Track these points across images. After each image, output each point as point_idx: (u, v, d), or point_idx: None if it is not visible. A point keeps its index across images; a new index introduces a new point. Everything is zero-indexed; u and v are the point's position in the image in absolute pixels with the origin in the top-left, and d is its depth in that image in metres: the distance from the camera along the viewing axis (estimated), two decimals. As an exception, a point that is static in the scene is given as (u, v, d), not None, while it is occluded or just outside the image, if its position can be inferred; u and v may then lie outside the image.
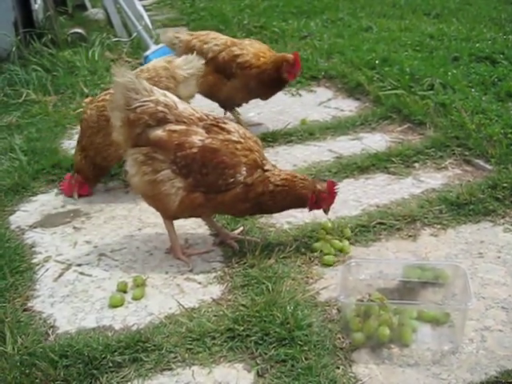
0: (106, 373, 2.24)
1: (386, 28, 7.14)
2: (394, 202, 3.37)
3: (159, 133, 2.74)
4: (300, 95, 5.40)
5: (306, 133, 4.41)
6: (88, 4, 9.21)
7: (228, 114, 4.64)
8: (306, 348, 2.26)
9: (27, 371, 2.23)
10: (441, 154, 3.90)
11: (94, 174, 3.74)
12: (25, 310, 2.65)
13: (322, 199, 2.85)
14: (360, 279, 2.60)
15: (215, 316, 2.50)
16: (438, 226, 3.11)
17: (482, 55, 5.61)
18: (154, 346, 2.34)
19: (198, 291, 2.73)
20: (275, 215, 3.15)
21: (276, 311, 2.41)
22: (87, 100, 4.89)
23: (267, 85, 4.24)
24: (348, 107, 4.98)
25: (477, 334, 2.34)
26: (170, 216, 2.92)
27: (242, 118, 4.62)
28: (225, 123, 2.84)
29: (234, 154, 2.75)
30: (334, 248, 2.92)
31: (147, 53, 6.08)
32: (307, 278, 2.76)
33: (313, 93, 5.44)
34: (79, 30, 7.38)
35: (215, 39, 4.40)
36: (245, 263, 2.85)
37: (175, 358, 2.30)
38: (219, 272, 2.85)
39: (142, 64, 5.78)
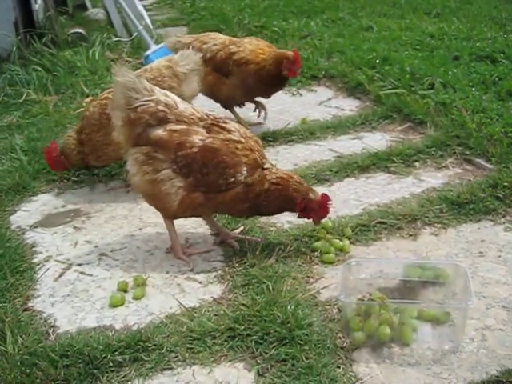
0: (107, 372, 2.24)
1: (387, 27, 7.14)
2: (395, 202, 3.37)
3: (160, 132, 2.74)
4: (300, 94, 5.40)
5: (307, 132, 4.41)
6: (88, 4, 9.22)
7: (257, 111, 4.63)
8: (306, 347, 2.26)
9: (28, 371, 2.23)
10: (441, 154, 3.90)
11: (76, 165, 3.78)
12: (25, 310, 2.65)
13: (311, 209, 2.82)
14: (360, 278, 2.59)
15: (216, 315, 2.50)
16: (439, 225, 3.11)
17: (483, 54, 5.62)
18: (155, 345, 2.34)
19: (198, 291, 2.73)
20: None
21: (276, 310, 2.41)
22: (88, 100, 4.91)
23: (266, 82, 4.21)
24: (348, 106, 4.98)
25: (477, 333, 2.34)
26: (170, 215, 2.92)
27: (243, 118, 4.62)
28: (225, 123, 2.84)
29: (235, 153, 2.74)
30: (334, 247, 2.92)
31: (148, 52, 6.09)
32: (308, 277, 2.76)
33: (313, 92, 5.44)
34: (80, 30, 7.39)
35: (214, 39, 4.42)
36: (245, 262, 2.85)
37: (176, 357, 2.30)
38: (220, 271, 2.85)
39: (142, 64, 5.79)
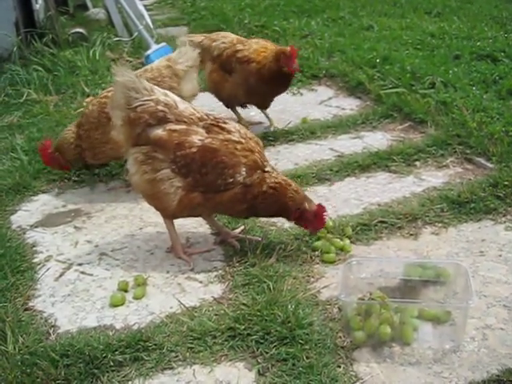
0: (107, 372, 2.24)
1: (387, 27, 7.13)
2: (395, 201, 3.37)
3: (159, 132, 2.74)
4: (301, 94, 5.39)
5: (307, 131, 4.40)
6: (89, 4, 9.21)
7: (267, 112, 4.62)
8: (307, 347, 2.26)
9: (28, 370, 2.23)
10: (442, 153, 3.90)
11: (72, 162, 3.75)
12: (26, 310, 2.66)
13: (306, 219, 2.81)
14: (361, 278, 2.59)
15: (216, 315, 2.50)
16: (439, 225, 3.11)
17: (483, 53, 5.61)
18: (155, 345, 2.34)
19: (198, 290, 2.73)
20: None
21: (277, 310, 2.41)
22: (88, 99, 4.90)
23: (268, 81, 4.14)
24: (349, 106, 4.98)
25: (478, 333, 2.34)
26: (168, 215, 2.92)
27: (244, 117, 4.62)
28: (225, 123, 2.83)
29: (234, 154, 2.74)
30: (335, 247, 2.92)
31: (148, 52, 6.10)
32: (308, 276, 2.76)
33: (314, 92, 5.43)
34: (80, 30, 7.38)
35: (224, 37, 4.43)
36: (246, 262, 2.85)
37: (176, 357, 2.30)
38: (220, 271, 2.85)
39: (143, 63, 5.79)
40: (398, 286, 2.57)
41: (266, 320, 2.38)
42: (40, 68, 6.00)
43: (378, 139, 4.23)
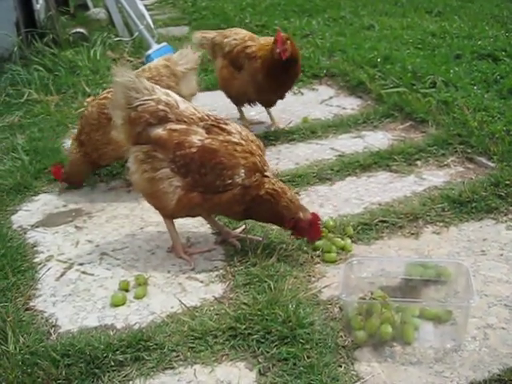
0: (108, 372, 2.24)
1: (388, 26, 7.13)
2: (396, 200, 3.36)
3: (160, 131, 2.74)
4: (302, 93, 5.39)
5: (308, 131, 4.40)
6: (90, 4, 9.22)
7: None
8: (307, 346, 2.25)
9: (29, 370, 2.23)
10: (443, 152, 3.89)
11: (86, 172, 3.78)
12: (27, 310, 2.65)
13: (302, 228, 2.80)
14: (362, 277, 2.59)
15: (217, 315, 2.49)
16: (441, 224, 3.10)
17: (484, 53, 5.60)
18: (156, 344, 2.33)
19: (199, 290, 2.72)
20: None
21: (278, 309, 2.41)
22: (89, 99, 4.91)
23: (271, 75, 4.08)
24: (350, 105, 4.97)
25: (479, 332, 2.33)
26: (167, 214, 2.91)
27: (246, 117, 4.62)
28: (226, 124, 2.83)
29: (233, 155, 2.73)
30: (336, 246, 2.91)
31: (149, 52, 6.10)
32: (309, 276, 2.75)
33: (315, 91, 5.43)
34: (81, 30, 7.39)
35: (236, 34, 4.42)
36: (247, 262, 2.85)
37: (177, 356, 2.30)
38: (221, 271, 2.85)
39: (143, 63, 5.79)
40: (399, 286, 2.57)
41: (266, 319, 2.38)
42: (41, 68, 6.02)
43: (378, 139, 4.23)
